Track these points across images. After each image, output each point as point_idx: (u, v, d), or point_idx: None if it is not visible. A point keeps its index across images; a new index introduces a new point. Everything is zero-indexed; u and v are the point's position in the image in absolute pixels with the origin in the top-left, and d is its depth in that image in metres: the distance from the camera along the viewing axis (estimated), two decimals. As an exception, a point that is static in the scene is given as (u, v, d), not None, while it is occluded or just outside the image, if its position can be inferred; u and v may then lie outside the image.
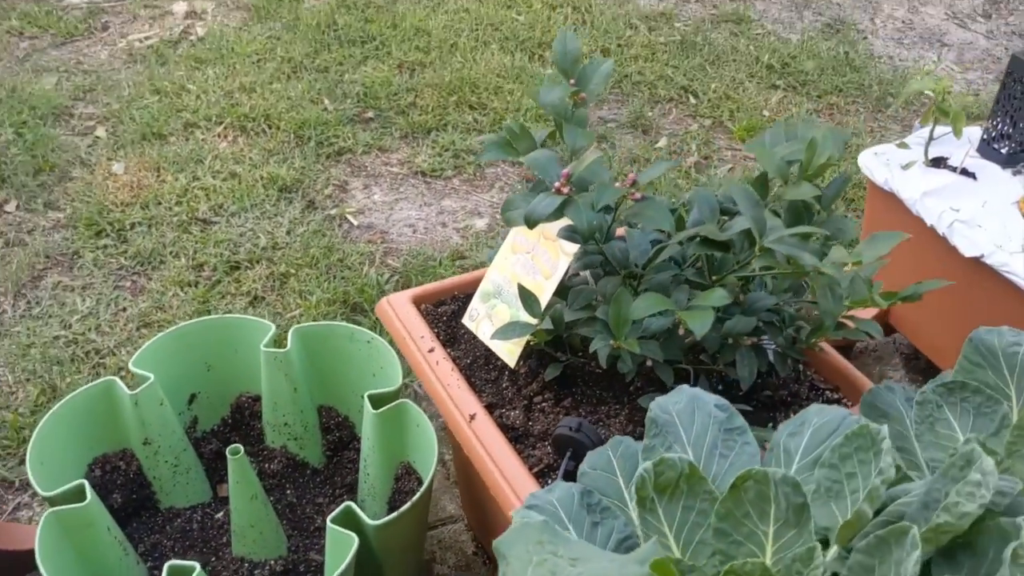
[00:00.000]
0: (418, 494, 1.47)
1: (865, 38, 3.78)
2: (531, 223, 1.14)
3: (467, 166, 2.90)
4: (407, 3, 3.78)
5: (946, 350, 2.07)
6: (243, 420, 1.84)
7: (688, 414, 0.99)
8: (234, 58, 3.35)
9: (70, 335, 2.22)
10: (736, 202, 1.17)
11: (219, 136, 2.96)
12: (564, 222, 1.25)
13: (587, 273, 1.39)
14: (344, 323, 1.77)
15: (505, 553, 0.88)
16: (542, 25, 3.65)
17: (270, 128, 3.00)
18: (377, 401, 1.59)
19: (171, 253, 2.48)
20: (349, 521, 1.43)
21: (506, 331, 1.35)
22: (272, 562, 1.63)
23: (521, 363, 1.45)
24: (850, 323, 1.36)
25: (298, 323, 2.28)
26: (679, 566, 0.89)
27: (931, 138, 1.99)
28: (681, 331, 1.35)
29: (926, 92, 1.90)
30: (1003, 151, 2.04)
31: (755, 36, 3.72)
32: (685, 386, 1.02)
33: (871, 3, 4.04)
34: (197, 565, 1.32)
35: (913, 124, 2.97)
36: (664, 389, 1.35)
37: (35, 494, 1.87)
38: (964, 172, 1.99)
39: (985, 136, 2.07)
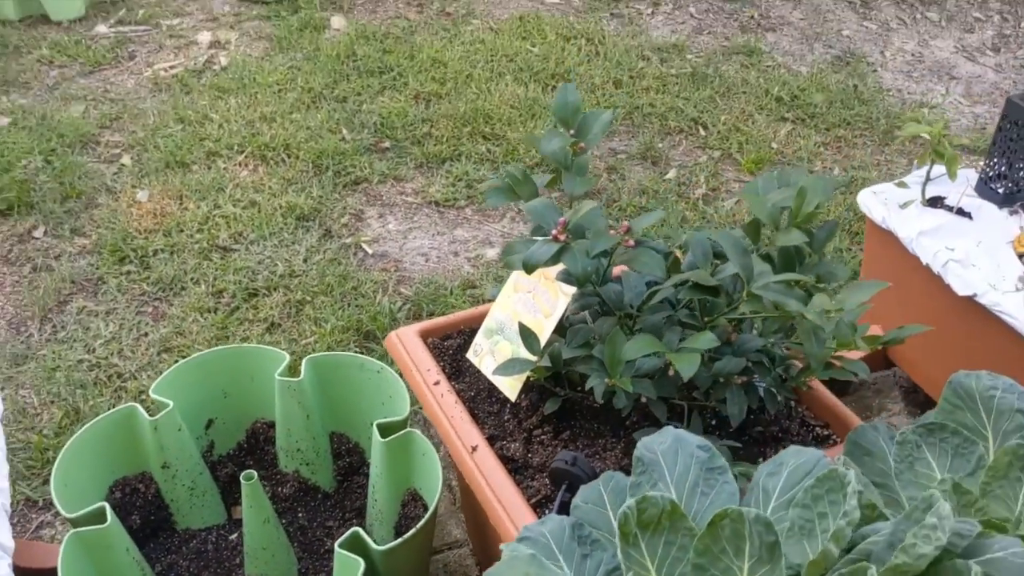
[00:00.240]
0: (422, 521, 1.54)
1: (875, 71, 3.84)
2: (529, 269, 1.21)
3: (479, 196, 2.98)
4: (424, 34, 3.88)
5: (943, 385, 2.11)
6: (258, 445, 1.91)
7: (672, 454, 1.05)
8: (256, 88, 3.45)
9: (93, 359, 2.30)
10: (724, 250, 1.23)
11: (240, 165, 3.05)
12: (562, 266, 1.32)
13: (586, 312, 1.46)
14: (355, 354, 1.84)
15: (495, 584, 0.94)
16: (556, 56, 3.73)
17: (289, 157, 3.09)
18: (385, 430, 1.66)
19: (192, 280, 2.57)
20: (356, 546, 1.50)
21: (507, 367, 1.42)
22: (283, 584, 1.69)
23: (522, 397, 1.51)
24: (837, 363, 1.42)
25: (313, 350, 2.36)
26: (659, 598, 0.95)
27: (927, 179, 2.05)
28: (672, 370, 1.41)
29: (922, 135, 1.96)
30: (1000, 191, 2.09)
31: (765, 68, 3.78)
32: (670, 427, 1.08)
33: (881, 36, 4.10)
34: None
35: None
36: (659, 424, 1.41)
37: (57, 514, 1.95)
38: (960, 212, 2.04)
39: (982, 176, 2.12)
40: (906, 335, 1.34)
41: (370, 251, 2.76)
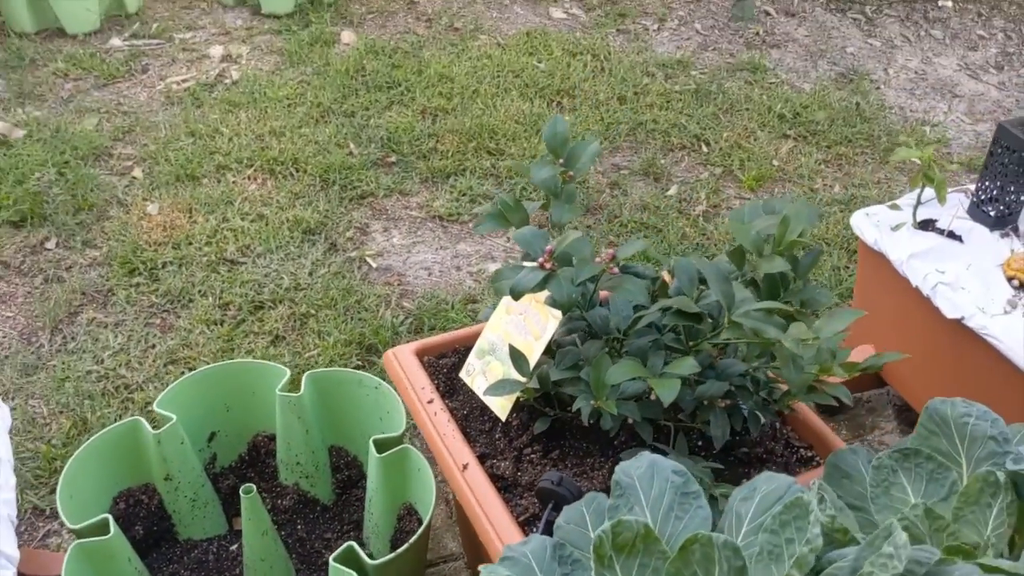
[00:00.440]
0: (415, 536, 1.58)
1: (878, 88, 3.87)
2: (515, 295, 1.25)
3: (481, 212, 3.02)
4: (432, 49, 3.93)
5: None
6: (259, 458, 1.96)
7: (648, 478, 1.09)
8: (266, 102, 3.51)
9: (102, 370, 2.36)
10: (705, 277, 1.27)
11: (249, 179, 3.11)
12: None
13: (574, 335, 1.50)
14: (354, 370, 1.89)
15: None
16: (562, 72, 3.78)
17: (297, 172, 3.14)
18: (382, 445, 1.70)
19: (199, 292, 2.62)
20: (350, 559, 1.54)
21: (497, 387, 1.46)
22: (280, 594, 1.74)
23: (513, 416, 1.56)
24: (820, 388, 1.45)
25: (316, 363, 2.41)
26: (631, 619, 0.99)
27: (918, 202, 2.08)
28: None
29: (913, 159, 1.99)
30: (991, 213, 2.12)
31: (769, 85, 3.82)
32: (646, 452, 1.12)
33: (885, 53, 4.13)
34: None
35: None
36: (646, 444, 1.45)
37: (64, 523, 2.00)
38: (951, 235, 2.07)
39: (974, 199, 2.15)
40: (883, 362, 1.37)
41: (374, 265, 2.81)
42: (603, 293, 1.54)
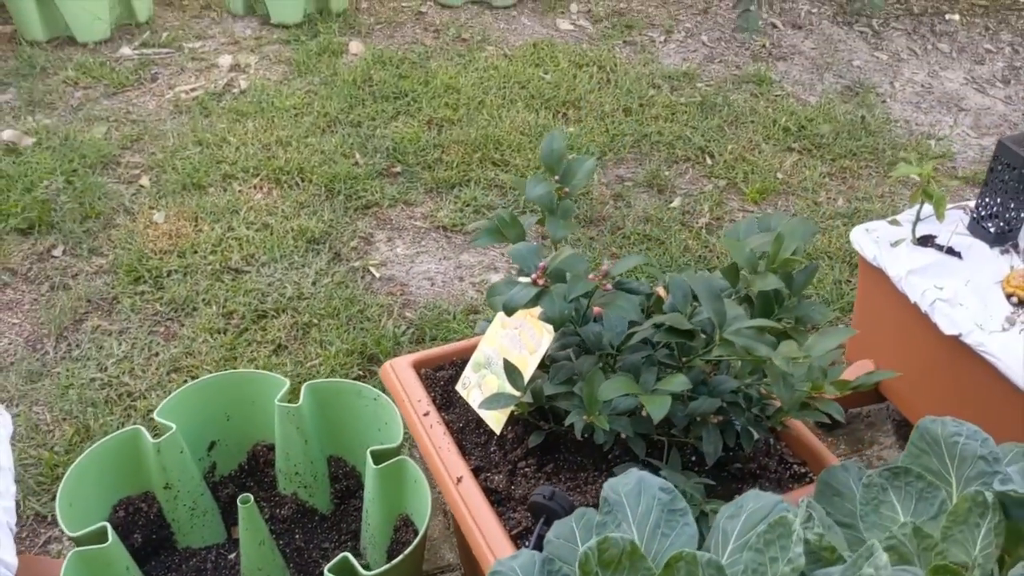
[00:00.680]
0: (410, 547, 1.59)
1: (884, 101, 3.88)
2: (508, 311, 1.27)
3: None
4: (439, 60, 3.96)
5: (934, 419, 2.14)
6: (258, 467, 1.97)
7: (635, 496, 1.10)
8: (273, 112, 3.54)
9: (105, 377, 2.38)
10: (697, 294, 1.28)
11: (255, 188, 3.13)
12: (544, 306, 1.37)
13: (569, 350, 1.51)
14: (352, 381, 1.90)
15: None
16: (568, 84, 3.80)
17: (303, 181, 3.17)
18: (379, 456, 1.71)
19: (203, 301, 2.64)
20: (345, 570, 1.55)
21: (492, 401, 1.47)
22: (277, 603, 1.75)
23: (508, 429, 1.57)
24: (813, 404, 1.46)
25: (317, 372, 2.42)
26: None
27: (918, 218, 2.09)
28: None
29: (912, 176, 2.00)
30: (991, 229, 2.12)
31: (774, 98, 3.83)
32: (634, 469, 1.13)
33: (892, 66, 4.13)
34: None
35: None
36: (639, 459, 1.46)
37: (66, 528, 2.02)
38: (950, 251, 2.08)
39: (974, 215, 2.15)
40: (875, 380, 1.38)
41: (377, 275, 2.82)
42: (596, 309, 1.55)
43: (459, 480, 1.48)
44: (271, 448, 1.96)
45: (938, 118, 3.77)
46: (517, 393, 1.46)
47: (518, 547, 1.40)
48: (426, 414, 1.60)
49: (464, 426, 1.62)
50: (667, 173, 3.33)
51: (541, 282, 1.29)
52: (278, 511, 1.93)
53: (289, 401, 1.82)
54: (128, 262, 2.76)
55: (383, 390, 1.85)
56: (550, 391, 1.44)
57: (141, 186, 3.13)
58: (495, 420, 1.52)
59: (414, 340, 2.57)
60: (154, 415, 1.77)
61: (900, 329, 2.12)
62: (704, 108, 3.71)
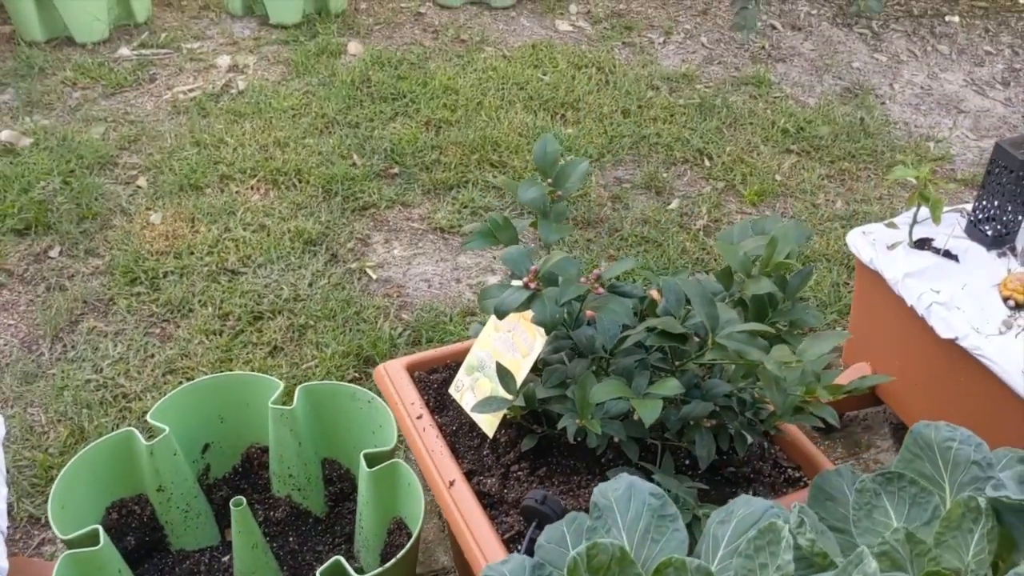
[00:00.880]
0: (403, 551, 1.58)
1: (883, 103, 3.87)
2: (500, 315, 1.26)
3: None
4: (438, 61, 3.95)
5: (930, 423, 2.14)
6: (252, 469, 1.97)
7: (625, 501, 1.09)
8: (271, 112, 3.53)
9: (101, 379, 2.38)
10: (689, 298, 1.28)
11: (252, 189, 3.13)
12: (537, 309, 1.37)
13: (562, 353, 1.51)
14: (347, 383, 1.90)
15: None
16: (566, 85, 3.79)
17: (300, 182, 3.16)
18: (373, 459, 1.71)
19: (199, 302, 2.64)
20: (338, 573, 1.55)
21: (484, 405, 1.47)
22: (270, 606, 1.75)
23: (502, 432, 1.56)
24: (807, 408, 1.45)
25: (313, 374, 2.42)
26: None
27: (915, 221, 2.08)
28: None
29: (909, 179, 1.99)
30: (989, 233, 2.12)
31: (773, 100, 3.82)
32: (624, 474, 1.13)
33: (891, 68, 4.12)
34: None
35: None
36: (633, 463, 1.45)
37: (60, 530, 2.01)
38: (947, 254, 2.07)
39: (971, 218, 2.15)
40: (868, 385, 1.37)
41: (374, 276, 2.82)
42: (588, 313, 1.54)
43: (451, 484, 1.47)
44: (265, 450, 1.95)
45: (937, 120, 3.77)
46: (509, 397, 1.45)
47: (511, 551, 1.40)
48: (419, 417, 1.60)
49: (457, 429, 1.62)
50: (665, 175, 3.32)
51: (533, 286, 1.28)
52: (272, 513, 1.93)
53: (283, 403, 1.81)
54: (124, 263, 2.75)
55: (378, 392, 1.85)
56: (543, 395, 1.43)
57: (138, 187, 3.13)
58: (488, 423, 1.52)
59: (410, 342, 2.56)
60: (148, 417, 1.77)
61: (897, 332, 2.11)
62: (703, 110, 3.70)
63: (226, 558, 1.88)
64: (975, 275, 2.02)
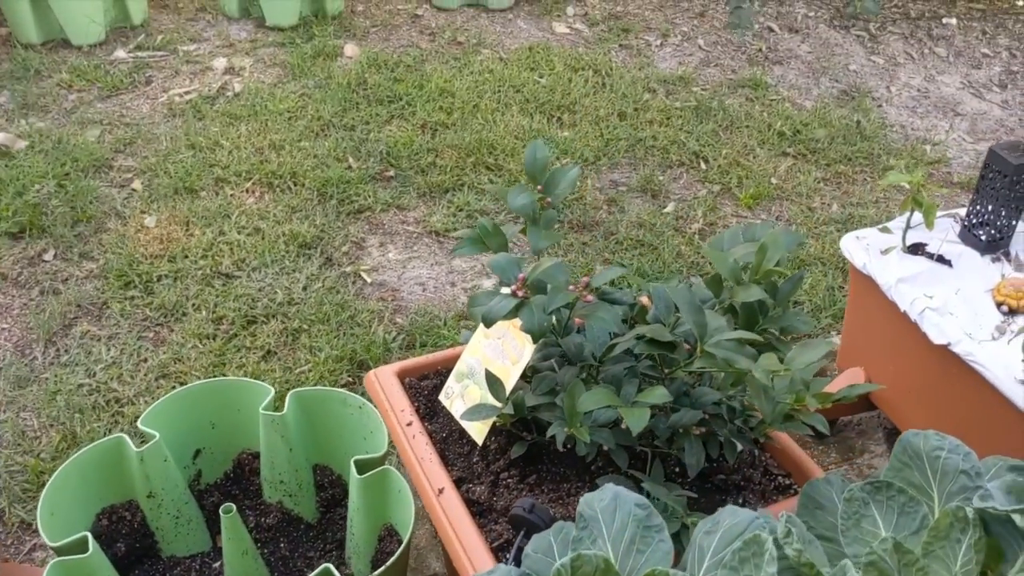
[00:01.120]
0: (393, 557, 1.58)
1: (880, 106, 3.86)
2: (487, 323, 1.26)
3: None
4: (435, 64, 3.95)
5: (923, 429, 2.13)
6: (243, 475, 1.96)
7: (610, 512, 1.09)
8: (267, 115, 3.53)
9: (93, 383, 2.37)
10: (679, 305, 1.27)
11: (247, 192, 3.12)
12: (525, 317, 1.36)
13: (552, 360, 1.50)
14: (338, 389, 1.89)
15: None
16: (563, 88, 3.79)
17: (295, 185, 3.16)
18: (363, 466, 1.70)
19: (193, 306, 2.64)
20: (327, 581, 1.54)
21: (473, 412, 1.46)
22: (260, 613, 1.74)
23: (491, 440, 1.56)
24: (797, 416, 1.45)
25: (307, 379, 2.41)
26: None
27: (908, 226, 2.07)
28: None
29: (903, 184, 1.99)
30: (982, 237, 2.11)
31: (770, 102, 3.81)
32: (610, 484, 1.12)
33: (888, 71, 4.12)
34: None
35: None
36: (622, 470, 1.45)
37: (51, 536, 2.01)
38: (940, 259, 2.06)
39: (965, 223, 2.14)
40: (855, 394, 1.37)
41: (369, 280, 2.82)
42: (577, 320, 1.54)
43: (441, 491, 1.47)
44: (257, 456, 1.95)
45: (934, 123, 3.76)
46: (499, 404, 1.45)
47: (499, 560, 1.39)
48: (409, 424, 1.60)
49: (447, 436, 1.61)
50: (661, 178, 3.32)
51: (521, 293, 1.28)
52: (263, 519, 1.92)
53: (275, 409, 1.81)
54: (119, 267, 2.75)
55: (369, 399, 1.85)
56: (532, 402, 1.43)
57: (133, 190, 3.12)
58: (477, 431, 1.51)
59: (405, 346, 2.56)
60: (139, 423, 1.76)
61: (890, 338, 2.11)
62: (699, 113, 3.70)
63: (217, 564, 1.88)
64: (968, 280, 2.02)
